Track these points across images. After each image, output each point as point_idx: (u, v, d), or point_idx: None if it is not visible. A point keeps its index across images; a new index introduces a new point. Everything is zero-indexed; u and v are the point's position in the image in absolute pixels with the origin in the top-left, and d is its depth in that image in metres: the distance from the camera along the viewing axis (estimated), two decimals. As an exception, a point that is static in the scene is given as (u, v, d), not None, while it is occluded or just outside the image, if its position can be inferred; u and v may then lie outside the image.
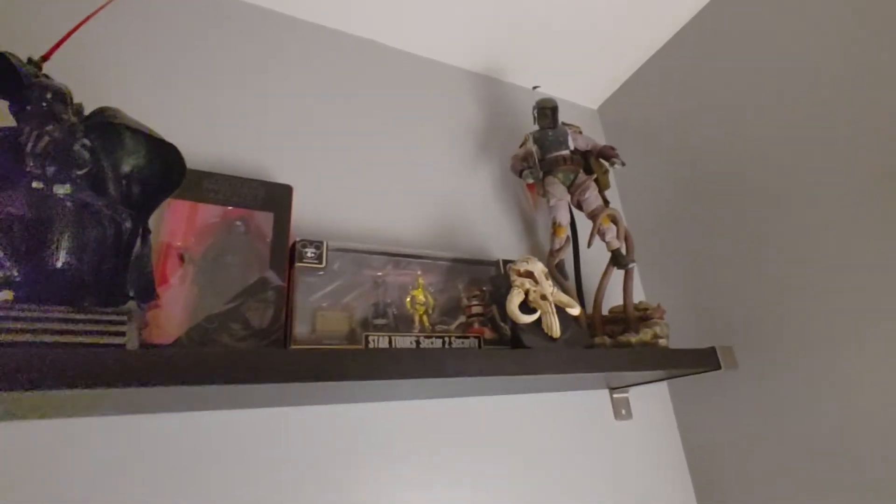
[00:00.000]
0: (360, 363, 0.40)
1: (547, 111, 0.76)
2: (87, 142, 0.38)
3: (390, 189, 0.73)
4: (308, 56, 0.76)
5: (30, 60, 0.39)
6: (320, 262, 0.57)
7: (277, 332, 0.52)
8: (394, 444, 0.60)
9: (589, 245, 0.71)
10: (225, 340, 0.50)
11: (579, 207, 0.73)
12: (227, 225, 0.55)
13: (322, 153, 0.70)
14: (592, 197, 0.71)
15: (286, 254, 0.56)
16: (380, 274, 0.61)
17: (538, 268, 0.59)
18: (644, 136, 0.96)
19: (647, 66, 0.96)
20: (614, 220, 0.70)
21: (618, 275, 0.71)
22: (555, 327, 0.55)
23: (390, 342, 0.57)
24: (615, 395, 0.77)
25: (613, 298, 0.74)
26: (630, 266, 0.67)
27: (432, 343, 0.59)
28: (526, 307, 0.57)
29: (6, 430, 0.44)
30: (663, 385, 0.84)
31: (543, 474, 0.67)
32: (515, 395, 0.71)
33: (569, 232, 0.73)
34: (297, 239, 0.57)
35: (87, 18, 0.41)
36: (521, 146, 0.78)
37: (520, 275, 0.59)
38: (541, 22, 0.86)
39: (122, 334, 0.40)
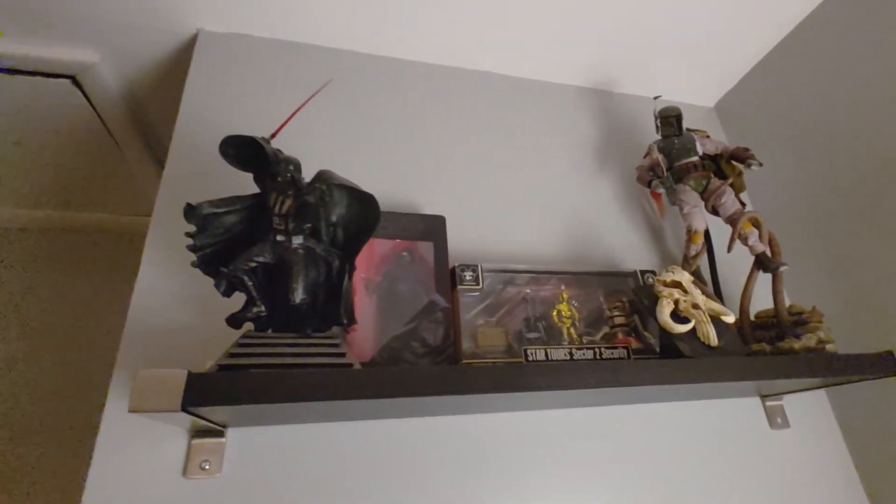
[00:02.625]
0: (545, 374, 0.45)
1: (671, 119, 0.76)
2: (312, 201, 0.47)
3: (523, 210, 0.78)
4: (441, 97, 0.84)
5: (263, 138, 0.49)
6: (477, 284, 0.63)
7: (448, 348, 0.59)
8: (546, 451, 0.64)
9: (729, 250, 0.70)
10: (408, 357, 0.57)
11: (715, 213, 0.73)
12: (396, 256, 0.63)
13: (464, 184, 0.77)
14: (729, 201, 0.71)
15: (447, 278, 0.63)
16: (529, 291, 0.66)
17: (685, 277, 0.60)
18: (769, 130, 0.92)
19: (770, 57, 0.92)
20: (756, 224, 0.69)
21: (762, 279, 0.69)
22: (712, 335, 0.56)
23: (546, 355, 0.61)
24: (768, 403, 0.74)
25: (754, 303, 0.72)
26: (781, 269, 0.66)
27: (583, 354, 0.63)
28: (676, 317, 0.59)
29: (244, 434, 0.54)
30: (820, 392, 0.79)
31: (692, 485, 0.67)
32: (657, 404, 0.72)
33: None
34: (456, 264, 0.63)
35: (304, 103, 0.50)
36: (644, 157, 0.79)
37: (666, 285, 0.61)
38: (648, 27, 0.87)
39: (343, 355, 0.49)
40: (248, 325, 0.49)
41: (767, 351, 0.62)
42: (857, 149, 0.78)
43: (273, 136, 0.49)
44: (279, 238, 0.47)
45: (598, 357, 0.63)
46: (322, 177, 0.48)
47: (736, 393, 0.72)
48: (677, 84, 0.99)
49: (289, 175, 0.45)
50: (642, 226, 0.84)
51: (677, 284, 0.60)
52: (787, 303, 0.78)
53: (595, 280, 0.70)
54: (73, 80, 0.84)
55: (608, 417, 0.68)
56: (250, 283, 0.48)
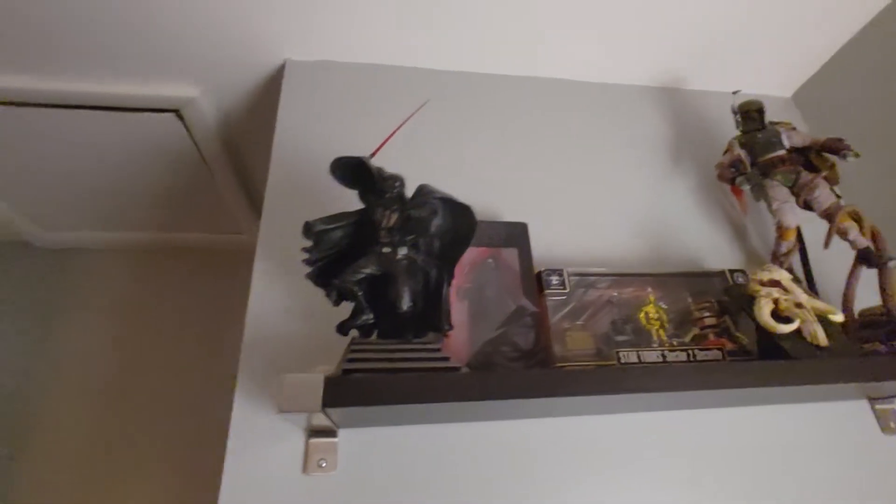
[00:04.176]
0: (659, 376, 0.45)
1: (753, 113, 0.74)
2: (417, 215, 0.50)
3: (601, 213, 0.79)
4: (514, 106, 0.86)
5: (367, 158, 0.53)
6: (564, 288, 0.64)
7: (539, 352, 0.60)
8: (635, 454, 0.63)
9: (826, 245, 0.67)
10: (500, 361, 0.59)
11: (808, 208, 0.70)
12: (482, 263, 0.65)
13: (542, 190, 0.78)
14: (824, 195, 0.68)
15: (533, 283, 0.64)
16: (615, 294, 0.66)
17: (784, 275, 0.58)
18: (853, 119, 0.87)
19: (852, 43, 0.87)
20: (856, 217, 0.66)
21: (864, 277, 0.66)
22: (820, 335, 0.54)
23: (638, 357, 0.61)
24: (878, 407, 0.70)
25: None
26: (891, 264, 0.62)
27: (676, 356, 0.62)
28: (776, 316, 0.57)
29: (357, 435, 0.58)
30: (937, 394, 0.73)
31: (791, 493, 0.64)
32: (753, 408, 0.69)
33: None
34: (542, 269, 0.65)
35: (402, 124, 0.54)
36: (724, 153, 0.78)
37: (763, 284, 0.59)
38: (719, 18, 0.85)
39: (448, 359, 0.51)
40: (353, 332, 0.53)
41: (883, 350, 0.58)
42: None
43: (372, 155, 0.53)
44: (385, 250, 0.50)
45: (691, 359, 0.62)
46: (424, 191, 0.51)
47: (841, 396, 0.68)
48: (751, 75, 0.96)
49: (395, 191, 0.49)
50: (723, 224, 0.82)
51: (776, 283, 0.58)
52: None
53: (681, 281, 0.69)
54: (177, 113, 0.92)
55: (703, 421, 0.67)
56: (359, 294, 0.52)
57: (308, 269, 0.53)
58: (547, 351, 0.61)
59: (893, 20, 0.81)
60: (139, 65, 0.85)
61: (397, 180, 0.49)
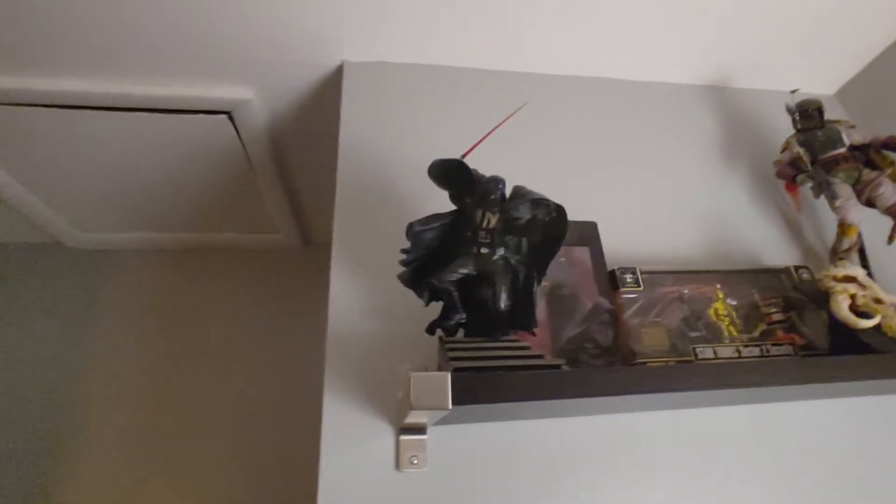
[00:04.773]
0: (759, 372, 0.46)
1: (812, 111, 0.76)
2: (518, 217, 0.51)
3: (662, 212, 0.80)
4: (575, 106, 0.88)
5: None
6: (638, 286, 0.65)
7: (619, 349, 0.61)
8: (713, 449, 0.65)
9: (890, 242, 0.69)
10: (584, 358, 0.60)
11: (870, 205, 0.71)
12: (556, 262, 0.66)
13: (606, 190, 0.80)
14: (889, 192, 0.69)
15: (606, 281, 0.65)
16: (686, 291, 0.68)
17: (860, 272, 0.60)
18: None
19: (904, 41, 0.89)
20: (920, 213, 0.67)
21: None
22: (901, 330, 0.55)
23: (714, 353, 0.62)
24: (939, 398, 0.71)
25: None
26: (960, 260, 0.64)
27: (750, 352, 0.63)
28: (853, 312, 0.59)
29: (444, 433, 0.59)
30: None
31: (852, 488, 0.65)
32: (805, 402, 0.70)
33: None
34: (616, 267, 0.66)
35: (499, 125, 0.55)
36: (782, 151, 0.79)
37: (837, 280, 0.60)
38: (763, 16, 0.86)
39: (542, 356, 0.52)
40: (438, 332, 0.54)
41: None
42: None
43: (464, 156, 0.54)
44: (483, 251, 0.51)
45: (764, 354, 0.63)
46: (520, 192, 0.52)
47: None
48: (795, 72, 0.97)
49: (499, 193, 0.50)
50: (778, 221, 0.83)
51: (851, 279, 0.60)
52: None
53: (746, 278, 0.71)
54: (229, 115, 0.93)
55: (763, 416, 0.68)
56: (454, 293, 0.52)
57: (402, 270, 0.54)
58: (625, 347, 0.62)
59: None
60: (192, 66, 0.85)
61: (500, 182, 0.50)
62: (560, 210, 0.53)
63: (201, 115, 0.93)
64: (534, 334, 0.59)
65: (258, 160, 1.05)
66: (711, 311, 0.67)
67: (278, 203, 1.20)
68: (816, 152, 0.74)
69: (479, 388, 0.40)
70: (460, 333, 0.54)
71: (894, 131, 0.88)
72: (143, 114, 0.93)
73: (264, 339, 1.40)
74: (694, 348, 0.62)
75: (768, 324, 0.67)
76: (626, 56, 0.90)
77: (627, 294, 0.65)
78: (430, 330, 0.54)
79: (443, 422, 0.58)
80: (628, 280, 0.65)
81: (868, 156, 0.74)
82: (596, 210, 0.76)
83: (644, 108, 0.91)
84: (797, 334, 0.66)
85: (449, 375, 0.40)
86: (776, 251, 0.81)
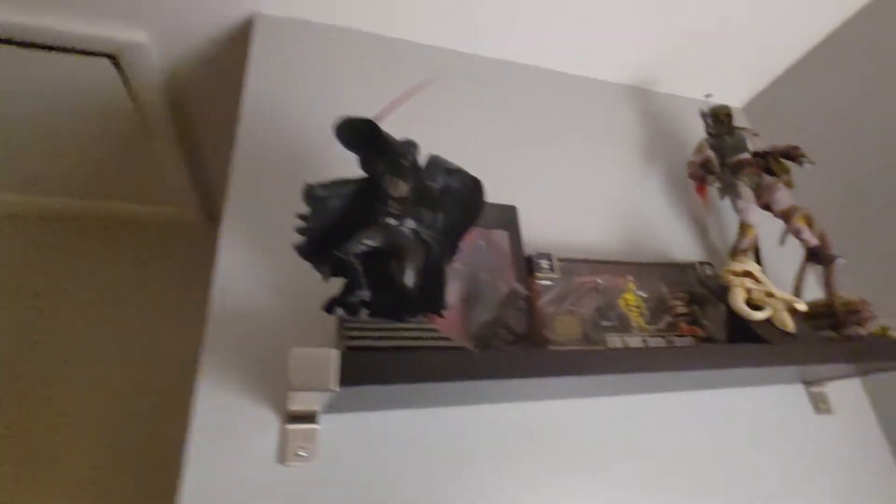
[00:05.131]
0: (662, 358, 0.46)
1: (723, 117, 0.79)
2: (432, 185, 0.47)
3: (580, 202, 0.80)
4: (501, 90, 0.85)
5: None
6: (553, 272, 0.64)
7: (533, 336, 0.59)
8: (613, 434, 0.65)
9: (781, 243, 0.73)
10: (497, 345, 0.58)
11: (766, 208, 0.75)
12: (473, 245, 0.63)
13: (527, 176, 0.78)
14: (783, 197, 0.73)
15: (523, 266, 0.63)
16: (600, 281, 0.67)
17: (755, 267, 0.62)
18: (798, 133, 0.96)
19: (804, 61, 0.96)
20: (808, 220, 0.72)
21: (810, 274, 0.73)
22: (788, 322, 0.58)
23: (623, 342, 0.62)
24: (812, 390, 0.77)
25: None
26: (839, 262, 0.69)
27: (657, 342, 0.64)
28: (748, 305, 0.61)
29: (340, 421, 0.53)
30: (855, 380, 0.83)
31: (743, 469, 0.69)
32: (701, 392, 0.73)
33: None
34: (533, 253, 0.64)
35: (414, 91, 0.50)
36: (695, 153, 0.82)
37: (736, 274, 0.63)
38: (682, 25, 0.90)
39: (450, 339, 0.49)
40: (338, 311, 0.49)
41: (835, 338, 0.64)
42: (877, 162, 0.82)
43: (377, 119, 0.49)
44: (391, 221, 0.47)
45: (669, 345, 0.64)
46: (437, 161, 0.48)
47: (782, 380, 0.75)
48: (709, 84, 1.02)
49: (410, 157, 0.45)
50: (687, 220, 0.87)
51: (748, 274, 0.62)
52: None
53: (656, 271, 0.72)
54: (114, 60, 0.80)
55: (663, 404, 0.70)
56: (358, 268, 0.47)
57: (299, 239, 0.47)
58: (539, 335, 0.60)
59: (842, 42, 0.89)
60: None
61: (413, 146, 0.46)
62: (477, 184, 0.49)
63: (80, 56, 0.79)
64: (442, 317, 0.56)
65: (153, 119, 0.93)
66: (622, 302, 0.68)
67: (177, 170, 1.07)
68: (725, 156, 0.78)
69: (370, 368, 0.36)
70: (371, 316, 0.49)
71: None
72: (10, 47, 0.77)
73: (153, 327, 1.24)
74: (605, 337, 0.61)
75: (673, 316, 0.69)
76: (558, 47, 0.89)
77: (543, 281, 0.63)
78: (329, 308, 0.48)
79: (337, 409, 0.53)
80: (544, 266, 0.63)
81: (768, 163, 0.78)
82: (516, 195, 0.74)
83: (571, 100, 0.91)
84: (699, 327, 0.69)
85: (335, 352, 0.35)
86: (685, 248, 0.84)
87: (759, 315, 0.58)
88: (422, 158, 0.48)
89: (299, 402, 0.48)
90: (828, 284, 0.70)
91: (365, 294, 0.48)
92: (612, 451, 0.62)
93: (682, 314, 0.69)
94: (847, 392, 0.81)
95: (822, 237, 0.72)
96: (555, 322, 0.62)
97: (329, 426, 0.52)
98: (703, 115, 0.81)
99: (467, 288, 0.60)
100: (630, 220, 0.82)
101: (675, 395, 0.72)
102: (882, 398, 0.81)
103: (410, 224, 0.47)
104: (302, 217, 0.46)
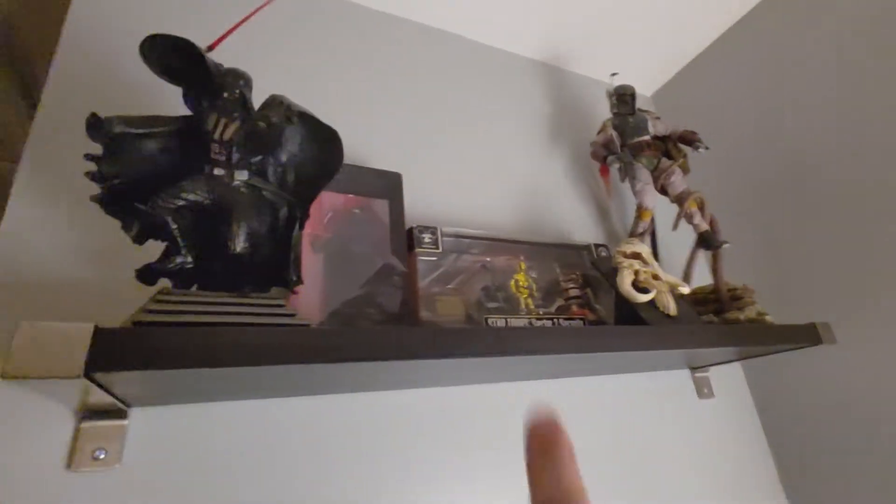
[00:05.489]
0: (533, 338, 0.41)
1: (627, 97, 0.77)
2: (264, 127, 0.38)
3: (479, 176, 0.74)
4: (402, 51, 0.77)
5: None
6: (436, 247, 0.58)
7: (406, 316, 0.53)
8: (471, 425, 0.61)
9: (675, 227, 0.72)
10: (364, 324, 0.51)
11: (663, 192, 0.74)
12: (347, 213, 0.56)
13: (419, 142, 0.71)
14: (678, 181, 0.73)
15: (403, 240, 0.57)
16: (489, 259, 0.62)
17: (645, 249, 0.60)
18: (703, 123, 0.97)
19: (707, 52, 0.97)
20: (700, 204, 0.72)
21: (701, 258, 0.73)
22: (671, 305, 0.56)
23: (506, 324, 0.58)
24: (697, 375, 0.78)
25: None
26: (725, 246, 0.69)
27: (543, 324, 0.60)
28: (635, 287, 0.59)
29: (152, 415, 0.44)
30: (736, 365, 0.85)
31: (631, 453, 0.68)
32: (592, 377, 0.72)
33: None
34: (415, 225, 0.57)
35: (253, 13, 0.41)
36: (598, 133, 0.79)
37: (626, 256, 0.60)
38: (597, 8, 0.87)
39: (293, 315, 0.41)
40: (166, 283, 0.40)
41: (716, 322, 0.64)
42: (779, 144, 0.85)
43: (210, 49, 0.40)
44: (217, 172, 0.38)
45: (535, 327, 0.61)
46: (278, 101, 0.39)
47: (669, 365, 0.75)
48: (619, 69, 1.01)
49: (237, 92, 0.36)
50: (590, 203, 0.85)
51: (637, 256, 0.60)
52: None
53: (551, 252, 0.69)
54: None
55: (553, 390, 0.67)
56: (175, 227, 0.38)
57: (97, 190, 0.37)
58: (415, 315, 0.54)
59: (745, 32, 0.91)
60: None
61: (241, 78, 0.37)
62: (332, 135, 0.41)
63: None
64: (294, 292, 0.48)
65: (-22, 49, 0.76)
66: (512, 283, 0.64)
67: (13, 116, 0.90)
68: (626, 136, 0.76)
69: (138, 349, 0.27)
70: (202, 289, 0.40)
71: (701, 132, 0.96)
72: None
73: None
74: (486, 318, 0.57)
75: (565, 299, 0.66)
76: (471, 14, 0.83)
77: (425, 256, 0.57)
78: (144, 276, 0.39)
79: (156, 400, 0.44)
80: (426, 241, 0.57)
81: (667, 147, 0.77)
82: (408, 163, 0.68)
83: (478, 70, 0.85)
84: (590, 310, 0.66)
85: (85, 328, 0.26)
86: (587, 230, 0.82)
87: (642, 297, 0.56)
88: (261, 99, 0.39)
89: (97, 393, 0.39)
90: (714, 269, 0.70)
91: (184, 260, 0.39)
92: (487, 439, 0.58)
93: (574, 297, 0.66)
94: (728, 377, 0.83)
95: (712, 222, 0.72)
96: (437, 302, 0.57)
97: (143, 422, 0.43)
98: (609, 95, 0.79)
99: (335, 260, 0.53)
100: (530, 199, 0.78)
101: (563, 381, 0.70)
102: (758, 381, 0.84)
103: (242, 176, 0.39)
104: (93, 159, 0.36)
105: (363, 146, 0.66)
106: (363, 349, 0.36)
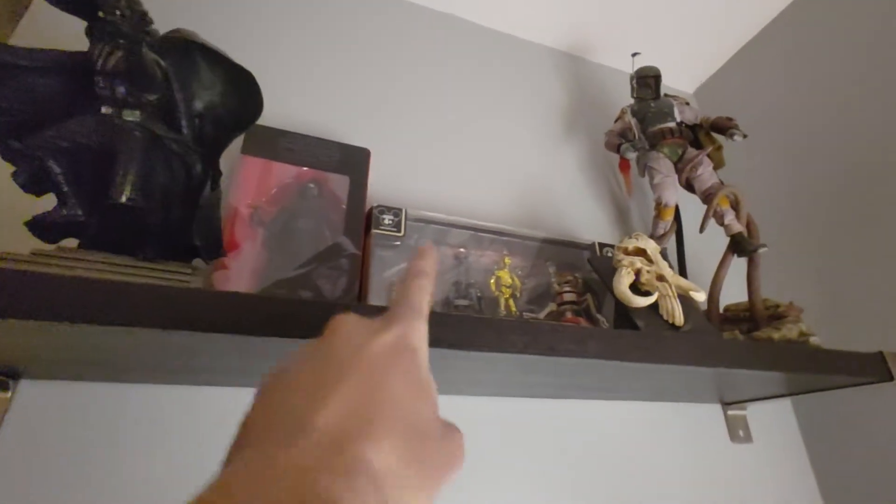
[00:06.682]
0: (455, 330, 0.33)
1: (649, 80, 0.67)
2: (160, 61, 0.34)
3: (472, 162, 0.67)
4: (391, 27, 0.72)
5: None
6: (398, 231, 0.50)
7: (351, 303, 0.46)
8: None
9: (702, 229, 0.60)
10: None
11: (689, 187, 0.63)
12: (300, 187, 0.50)
13: (401, 120, 0.65)
14: (706, 174, 0.61)
15: (362, 220, 0.50)
16: (462, 250, 0.54)
17: (651, 245, 0.49)
18: (751, 120, 0.84)
19: (752, 44, 0.85)
20: (734, 201, 0.60)
21: (735, 270, 0.60)
22: (677, 313, 0.45)
23: (474, 324, 0.49)
24: (730, 413, 0.64)
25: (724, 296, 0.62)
26: (759, 251, 0.56)
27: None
28: (637, 290, 0.48)
29: (45, 389, 0.40)
30: (786, 402, 0.70)
31: (637, 491, 0.56)
32: (603, 402, 0.60)
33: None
34: (375, 205, 0.51)
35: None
36: (616, 121, 0.69)
37: (627, 253, 0.50)
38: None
39: (188, 283, 0.36)
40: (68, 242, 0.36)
41: (741, 339, 0.51)
42: (839, 143, 0.71)
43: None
44: (104, 110, 0.33)
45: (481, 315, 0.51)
46: (180, 33, 0.34)
47: (696, 397, 0.62)
48: (658, 63, 0.90)
49: (117, 12, 0.32)
50: (606, 201, 0.74)
51: (641, 252, 0.49)
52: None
53: (546, 249, 0.59)
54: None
55: (556, 411, 0.57)
56: (58, 172, 0.34)
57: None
58: (363, 303, 0.47)
59: (788, 24, 0.78)
60: None
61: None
62: (249, 78, 0.36)
63: None
64: (220, 266, 0.43)
65: None
66: (492, 281, 0.55)
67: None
68: (647, 123, 0.65)
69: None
70: (99, 249, 0.36)
71: (748, 131, 0.83)
72: None
73: None
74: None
75: (559, 304, 0.56)
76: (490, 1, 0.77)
77: (385, 239, 0.50)
78: (34, 228, 0.35)
79: (48, 373, 0.39)
80: (386, 222, 0.50)
81: (697, 136, 0.66)
82: (386, 142, 0.62)
83: (486, 55, 0.79)
84: (589, 319, 0.55)
85: None
86: (600, 232, 0.71)
87: (639, 300, 0.45)
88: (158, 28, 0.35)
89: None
90: (750, 279, 0.58)
91: (73, 213, 0.35)
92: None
93: (568, 302, 0.55)
94: (773, 418, 0.68)
95: (749, 224, 0.60)
96: (392, 292, 0.49)
97: (32, 396, 0.38)
98: (631, 78, 0.69)
99: (278, 236, 0.47)
100: (537, 193, 0.69)
101: (564, 401, 0.59)
102: (810, 423, 0.67)
103: (132, 116, 0.34)
104: (-35, 88, 0.32)
105: (332, 119, 0.61)
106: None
